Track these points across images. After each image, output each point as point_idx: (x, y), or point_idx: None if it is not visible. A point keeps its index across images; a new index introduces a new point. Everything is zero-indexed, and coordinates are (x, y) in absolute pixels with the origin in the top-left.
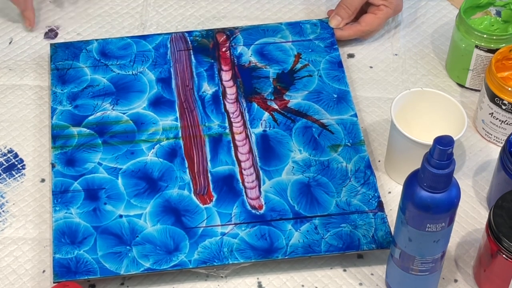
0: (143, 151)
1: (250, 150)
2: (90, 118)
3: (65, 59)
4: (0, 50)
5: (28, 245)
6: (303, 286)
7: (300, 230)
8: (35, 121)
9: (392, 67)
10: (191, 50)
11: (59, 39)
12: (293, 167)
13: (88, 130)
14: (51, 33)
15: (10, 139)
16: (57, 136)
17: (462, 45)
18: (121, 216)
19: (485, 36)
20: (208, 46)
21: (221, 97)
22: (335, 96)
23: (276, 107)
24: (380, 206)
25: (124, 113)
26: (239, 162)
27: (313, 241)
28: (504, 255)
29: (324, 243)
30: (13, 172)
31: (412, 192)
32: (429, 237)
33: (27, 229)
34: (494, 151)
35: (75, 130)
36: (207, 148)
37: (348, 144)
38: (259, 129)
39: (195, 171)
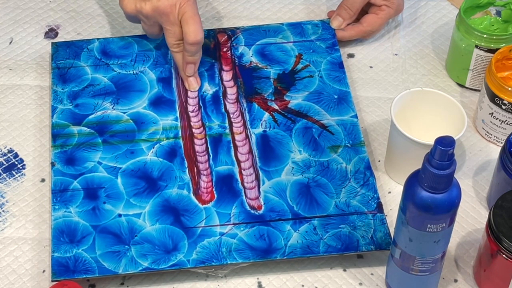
0: (143, 151)
1: (250, 151)
2: (90, 117)
3: (66, 58)
4: (0, 50)
5: (28, 245)
6: (303, 286)
7: (299, 230)
8: (35, 121)
9: (392, 67)
10: None
11: (59, 39)
12: (293, 167)
13: (88, 129)
14: (51, 32)
15: (10, 139)
16: (57, 135)
17: (462, 45)
18: (120, 215)
19: (485, 36)
20: (209, 46)
21: (221, 97)
22: (336, 97)
23: (277, 107)
24: (379, 207)
25: (124, 113)
26: (238, 162)
27: (312, 242)
28: (504, 255)
29: (323, 244)
30: (13, 172)
31: (412, 192)
32: (429, 237)
33: (27, 229)
34: (494, 151)
35: (75, 129)
36: (208, 148)
37: (348, 145)
38: (259, 130)
39: (195, 171)
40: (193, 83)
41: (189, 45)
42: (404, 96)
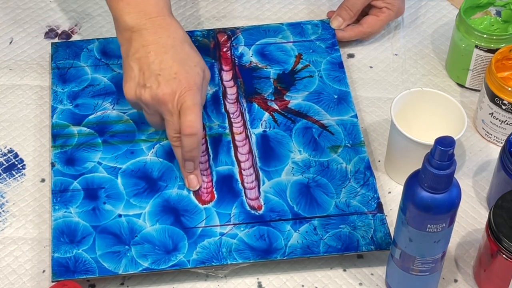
0: (143, 151)
1: (250, 151)
2: (90, 117)
3: (66, 58)
4: (0, 50)
5: (28, 245)
6: (303, 286)
7: (299, 230)
8: (35, 121)
9: (392, 67)
10: None
11: (59, 39)
12: (293, 167)
13: (88, 129)
14: (51, 33)
15: (10, 139)
16: (57, 135)
17: (462, 45)
18: (120, 215)
19: (485, 36)
20: (209, 46)
21: (221, 97)
22: (336, 97)
23: (277, 107)
24: (379, 207)
25: (124, 113)
26: (238, 162)
27: (312, 242)
28: (504, 255)
29: (323, 244)
30: (13, 172)
31: (413, 192)
32: (429, 237)
33: (27, 229)
34: (494, 151)
35: (75, 129)
36: (208, 148)
37: (348, 145)
38: (259, 130)
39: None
40: (193, 182)
41: (185, 137)
42: (404, 96)
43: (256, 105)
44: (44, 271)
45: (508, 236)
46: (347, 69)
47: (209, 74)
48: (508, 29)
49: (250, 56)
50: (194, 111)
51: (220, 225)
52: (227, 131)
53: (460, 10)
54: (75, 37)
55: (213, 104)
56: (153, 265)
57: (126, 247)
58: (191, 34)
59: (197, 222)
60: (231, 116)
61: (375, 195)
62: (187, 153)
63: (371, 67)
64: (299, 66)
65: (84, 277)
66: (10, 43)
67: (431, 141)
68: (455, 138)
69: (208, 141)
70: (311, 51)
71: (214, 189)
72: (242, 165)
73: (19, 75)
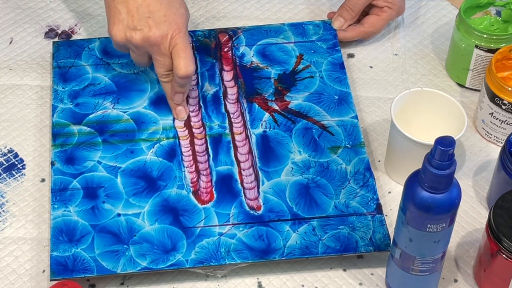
0: (142, 150)
1: (250, 151)
2: (90, 116)
3: (67, 57)
4: (0, 50)
5: (28, 245)
6: (303, 286)
7: (298, 231)
8: (36, 121)
9: (392, 67)
10: (193, 50)
11: (59, 39)
12: (293, 168)
13: (89, 129)
14: (51, 32)
15: (10, 139)
16: (58, 134)
17: (462, 45)
18: (119, 215)
19: (485, 36)
20: (210, 46)
21: (222, 97)
22: (336, 97)
23: (277, 108)
24: (378, 208)
25: (124, 112)
26: (238, 162)
27: (311, 243)
28: (504, 255)
29: (322, 245)
30: (13, 172)
31: (413, 192)
32: (429, 237)
33: (27, 229)
34: (494, 151)
35: (75, 128)
36: (208, 148)
37: (348, 146)
38: (259, 130)
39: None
40: (182, 112)
41: (179, 78)
42: (404, 96)
43: (257, 105)
44: (44, 271)
45: (508, 236)
46: (347, 69)
47: (189, 14)
48: (508, 29)
49: (251, 56)
50: (187, 53)
51: (219, 225)
52: (227, 131)
53: (460, 10)
54: (75, 37)
55: (213, 104)
56: (152, 265)
57: (125, 246)
58: (192, 34)
59: (196, 222)
60: (232, 116)
61: (375, 196)
62: (179, 88)
63: (371, 67)
64: (300, 66)
65: (83, 276)
66: (10, 43)
67: (431, 141)
68: (455, 138)
69: (208, 141)
70: (312, 51)
71: (213, 189)
72: (242, 165)
73: (19, 75)
